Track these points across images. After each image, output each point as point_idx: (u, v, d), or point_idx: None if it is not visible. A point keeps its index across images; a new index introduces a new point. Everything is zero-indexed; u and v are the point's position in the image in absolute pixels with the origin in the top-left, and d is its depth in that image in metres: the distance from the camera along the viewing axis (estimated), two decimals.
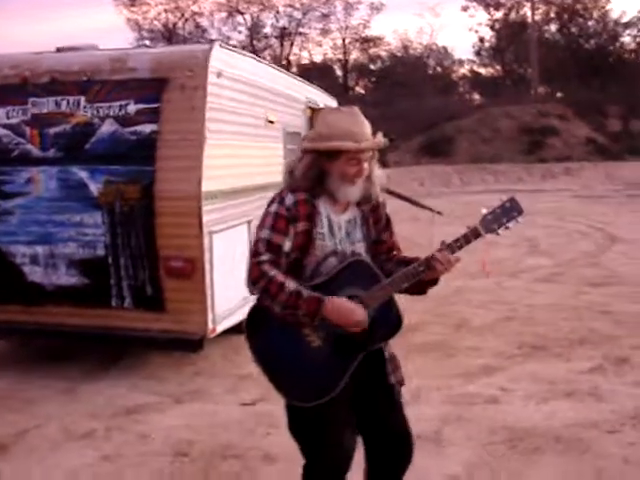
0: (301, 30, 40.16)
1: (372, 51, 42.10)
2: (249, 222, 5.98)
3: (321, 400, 2.60)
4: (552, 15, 39.27)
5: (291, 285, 2.53)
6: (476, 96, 42.86)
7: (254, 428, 4.20)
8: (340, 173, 2.63)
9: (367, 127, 2.66)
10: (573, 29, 39.36)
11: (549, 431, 4.39)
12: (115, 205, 5.24)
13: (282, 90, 7.13)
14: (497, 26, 41.06)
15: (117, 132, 5.27)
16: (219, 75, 5.32)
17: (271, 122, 6.72)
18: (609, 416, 4.61)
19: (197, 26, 40.77)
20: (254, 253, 2.61)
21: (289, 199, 2.64)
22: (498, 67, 43.16)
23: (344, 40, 41.68)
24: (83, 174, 5.33)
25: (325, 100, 9.27)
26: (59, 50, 5.82)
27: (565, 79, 36.34)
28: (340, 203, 2.72)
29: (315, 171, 2.65)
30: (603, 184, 24.65)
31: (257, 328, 2.68)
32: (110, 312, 5.41)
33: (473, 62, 44.27)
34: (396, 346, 5.96)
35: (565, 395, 5.06)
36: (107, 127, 5.30)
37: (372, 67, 43.03)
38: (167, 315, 5.29)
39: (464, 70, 45.06)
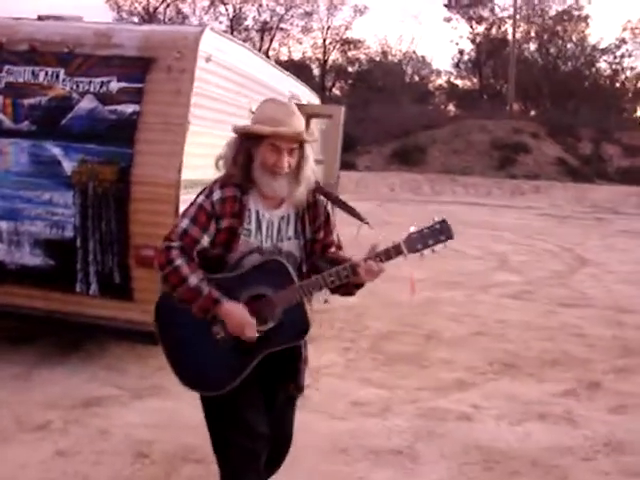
0: (282, 26, 40.01)
1: (351, 53, 42.08)
2: None
3: (220, 391, 2.61)
4: (532, 34, 39.66)
5: (193, 280, 2.51)
6: (451, 107, 43.04)
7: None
8: (261, 161, 2.59)
9: (295, 119, 2.62)
10: (552, 50, 39.75)
11: (525, 454, 4.26)
12: (88, 186, 4.97)
13: (267, 82, 6.90)
14: (478, 40, 41.31)
15: (96, 109, 5.00)
16: (208, 60, 5.09)
17: (253, 113, 6.48)
18: (583, 442, 4.51)
19: (178, 12, 40.27)
20: (167, 238, 2.61)
21: (217, 194, 2.62)
22: (475, 80, 43.41)
23: (325, 40, 41.61)
24: (57, 151, 5.04)
25: (307, 95, 9.06)
26: (40, 18, 5.52)
27: (540, 98, 36.70)
28: (271, 198, 2.68)
29: (242, 157, 2.61)
30: (571, 205, 24.84)
31: (164, 316, 2.71)
32: (74, 297, 5.13)
33: (450, 73, 44.56)
34: (367, 355, 5.84)
35: (539, 417, 4.94)
36: (86, 103, 5.02)
37: (350, 69, 42.94)
38: (134, 305, 5.03)
39: (441, 81, 45.32)
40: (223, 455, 2.75)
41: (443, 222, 2.65)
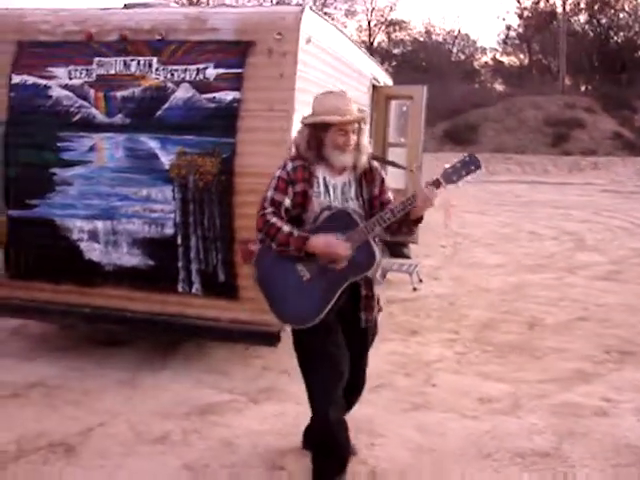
0: (326, 10, 39.34)
1: (396, 35, 41.33)
2: None
3: (311, 323, 3.10)
4: (582, 5, 38.41)
5: (286, 227, 3.10)
6: (498, 85, 42.09)
7: (353, 437, 3.67)
8: (332, 143, 3.16)
9: (352, 105, 3.22)
10: (603, 20, 38.46)
11: None
12: (188, 179, 4.71)
13: (354, 64, 6.58)
14: (525, 14, 40.23)
15: (193, 99, 4.73)
16: (308, 41, 4.77)
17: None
18: None
19: None
20: (260, 208, 3.18)
21: (289, 165, 3.22)
22: (522, 56, 42.39)
23: (369, 22, 40.85)
24: (153, 144, 4.79)
25: (383, 77, 8.71)
26: (127, 6, 5.25)
27: (591, 72, 35.63)
28: (336, 168, 3.22)
29: (314, 142, 3.19)
30: (633, 180, 24.06)
31: (261, 268, 3.25)
32: (176, 298, 4.89)
33: (496, 50, 43.54)
34: (476, 347, 5.51)
35: None
36: (182, 93, 4.75)
37: (395, 51, 42.19)
38: (240, 304, 4.78)
39: (486, 58, 44.33)
40: (310, 383, 3.26)
41: (472, 156, 3.16)
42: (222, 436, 3.97)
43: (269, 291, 3.24)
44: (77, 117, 4.93)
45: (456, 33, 43.30)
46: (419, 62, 38.23)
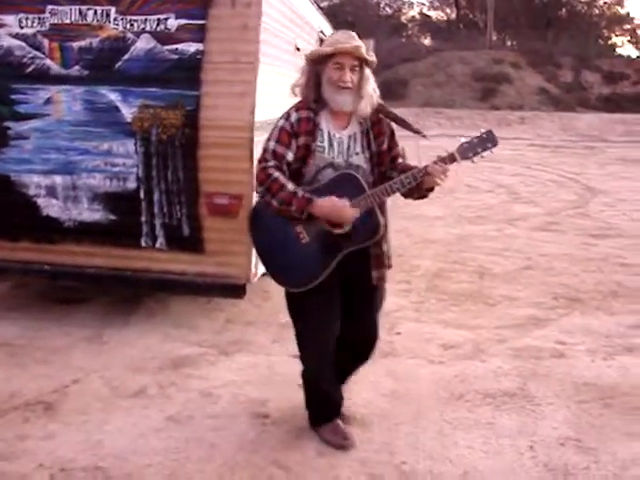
0: None
1: None
2: None
3: (305, 287, 3.05)
4: None
5: (290, 186, 2.97)
6: (425, 40, 42.29)
7: None
8: (328, 79, 3.01)
9: (354, 41, 3.02)
10: None
11: (635, 389, 4.15)
12: (151, 132, 4.63)
13: (306, 16, 6.53)
14: None
15: (155, 50, 4.62)
16: None
17: (298, 49, 6.14)
18: None
19: None
20: (261, 159, 3.06)
21: (293, 117, 3.07)
22: (448, 11, 42.63)
23: None
24: (114, 96, 4.67)
25: (328, 30, 8.66)
26: None
27: (518, 28, 36.18)
28: (340, 118, 3.10)
29: (312, 78, 3.07)
30: (558, 134, 24.73)
31: (258, 224, 3.16)
32: (139, 253, 4.83)
33: (423, 4, 43.67)
34: (431, 296, 5.68)
35: (626, 350, 4.85)
36: (143, 44, 4.63)
37: (322, 4, 41.71)
38: (206, 257, 4.76)
39: (413, 12, 44.40)
40: (299, 338, 3.29)
41: (489, 132, 3.07)
42: (200, 388, 3.99)
43: (264, 251, 3.18)
44: (31, 68, 4.75)
45: None
46: (346, 16, 37.93)
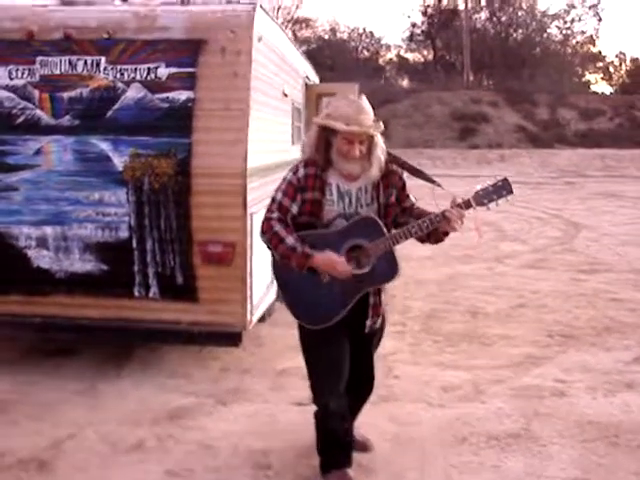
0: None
1: (302, 33, 41.47)
2: None
3: (324, 325, 3.16)
4: (483, 3, 39.60)
5: (289, 240, 3.08)
6: (403, 82, 42.84)
7: None
8: (338, 149, 3.13)
9: (364, 116, 3.10)
10: (503, 18, 39.78)
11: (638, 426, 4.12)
12: (143, 181, 4.60)
13: (292, 62, 6.60)
14: (429, 12, 41.11)
15: (146, 99, 4.62)
16: (260, 39, 4.76)
17: (285, 95, 6.19)
18: None
19: None
20: (268, 210, 3.20)
21: (301, 172, 3.19)
22: (425, 53, 43.26)
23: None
24: (104, 145, 4.65)
25: (312, 74, 8.75)
26: (65, 3, 5.07)
27: (494, 67, 36.80)
28: (350, 174, 3.18)
29: (322, 144, 3.16)
30: (538, 171, 25.05)
31: (282, 268, 3.23)
32: (132, 303, 4.77)
33: (400, 47, 44.29)
34: (426, 338, 5.64)
35: (626, 387, 4.84)
36: (133, 93, 4.63)
37: (302, 49, 42.16)
38: (200, 306, 4.71)
39: (391, 55, 45.01)
40: (312, 376, 3.35)
41: (505, 180, 3.17)
42: (199, 439, 3.91)
43: (286, 289, 3.29)
44: (21, 119, 4.73)
45: (361, 31, 43.88)
46: (325, 60, 38.43)
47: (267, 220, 3.17)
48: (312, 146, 3.22)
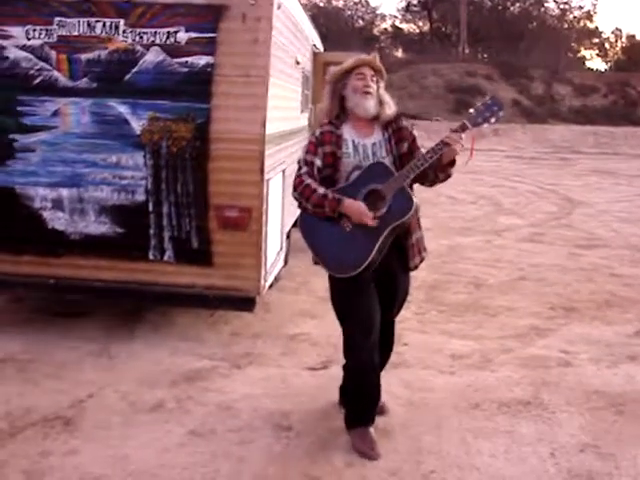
0: None
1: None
2: (283, 171, 5.49)
3: (355, 271, 3.26)
4: None
5: (320, 190, 3.29)
6: (397, 53, 42.60)
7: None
8: (352, 88, 3.38)
9: (371, 57, 3.47)
10: None
11: None
12: (161, 145, 4.62)
13: (304, 30, 6.59)
14: None
15: (164, 62, 4.61)
16: (279, 6, 4.75)
17: (298, 63, 6.19)
18: None
19: None
20: (298, 169, 3.41)
21: (317, 131, 3.47)
22: (420, 24, 42.97)
23: None
24: (123, 108, 4.66)
25: (318, 43, 8.74)
26: None
27: (490, 41, 36.65)
28: (363, 127, 3.42)
29: (336, 99, 3.44)
30: (532, 146, 25.12)
31: (306, 216, 3.43)
32: (146, 266, 4.81)
33: (395, 17, 43.95)
34: (431, 308, 5.73)
35: (629, 359, 4.94)
36: (152, 56, 4.62)
37: None
38: (214, 270, 4.76)
39: (385, 25, 44.67)
40: (345, 329, 3.46)
41: (493, 97, 3.33)
42: (218, 401, 3.98)
43: (314, 242, 3.41)
44: (38, 80, 4.71)
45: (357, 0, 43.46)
46: (319, 28, 38.06)
47: (298, 177, 3.37)
48: (327, 105, 3.49)
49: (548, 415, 3.95)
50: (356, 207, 3.25)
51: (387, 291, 3.49)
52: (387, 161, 3.36)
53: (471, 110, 3.31)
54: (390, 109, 3.44)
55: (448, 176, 3.38)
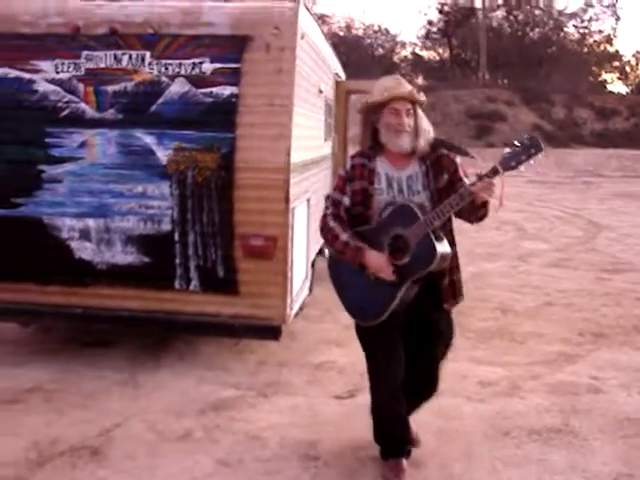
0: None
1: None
2: (308, 199, 5.51)
3: (375, 321, 3.16)
4: (499, 1, 39.48)
5: (343, 236, 3.14)
6: (418, 80, 42.74)
7: (371, 424, 3.74)
8: (385, 125, 3.13)
9: (402, 85, 3.16)
10: (520, 17, 39.68)
11: None
12: (187, 175, 4.66)
13: (326, 59, 6.64)
14: (445, 9, 40.96)
15: (190, 93, 4.67)
16: (302, 36, 4.81)
17: (320, 92, 6.24)
18: None
19: None
20: (325, 208, 3.30)
21: (349, 163, 3.29)
22: (440, 51, 43.17)
23: None
24: (149, 139, 4.71)
25: (341, 72, 8.81)
26: None
27: (510, 66, 36.70)
28: (398, 160, 3.18)
29: (368, 130, 3.22)
30: (554, 171, 24.98)
31: (333, 264, 3.35)
32: (172, 295, 4.83)
33: (415, 45, 44.21)
34: (458, 334, 5.66)
35: None
36: (177, 87, 4.69)
37: None
38: (240, 299, 4.76)
39: (406, 52, 44.95)
40: (369, 371, 3.38)
41: (532, 137, 2.98)
42: (245, 430, 3.96)
43: (339, 286, 3.32)
44: (66, 112, 4.79)
45: (376, 28, 43.86)
46: (340, 57, 38.42)
47: (323, 217, 3.26)
48: (360, 136, 3.28)
49: (580, 443, 3.89)
50: (375, 259, 3.10)
51: (421, 332, 3.34)
52: (423, 196, 3.14)
53: (506, 150, 2.99)
54: (428, 136, 3.18)
55: (480, 219, 3.13)
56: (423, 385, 3.49)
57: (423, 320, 3.31)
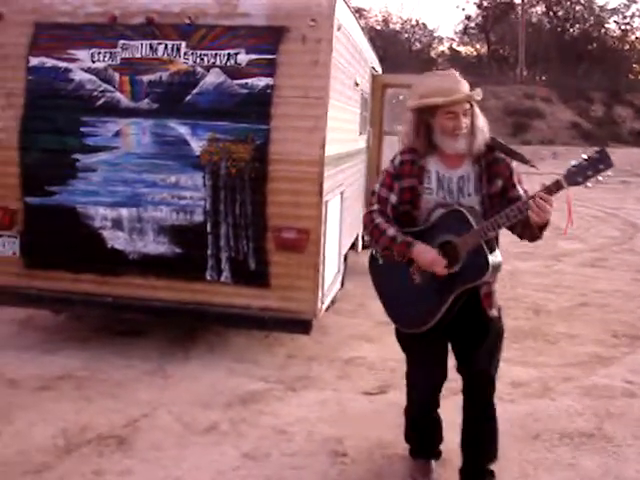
0: None
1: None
2: (342, 193, 5.46)
3: (418, 329, 3.01)
4: None
5: (390, 231, 2.94)
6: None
7: (400, 422, 3.69)
8: (440, 127, 2.88)
9: (461, 84, 2.88)
10: (559, 12, 39.12)
11: None
12: (220, 166, 4.64)
13: (363, 52, 6.58)
14: (484, 4, 40.54)
15: (225, 84, 4.65)
16: (339, 28, 4.75)
17: (357, 85, 6.18)
18: None
19: None
20: (369, 204, 3.12)
21: (397, 159, 3.05)
22: (478, 46, 42.75)
23: None
24: (183, 129, 4.70)
25: (377, 65, 8.73)
26: None
27: (549, 62, 36.20)
28: (451, 159, 2.95)
29: (422, 128, 2.92)
30: None
31: (375, 266, 3.15)
32: (203, 286, 4.83)
33: (452, 40, 43.85)
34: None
35: None
36: (213, 78, 4.67)
37: None
38: (271, 292, 4.74)
39: (443, 48, 44.60)
40: (409, 382, 3.29)
41: (601, 151, 2.71)
42: (272, 424, 3.94)
43: (381, 289, 3.16)
44: (101, 101, 4.80)
45: (414, 22, 43.59)
46: (377, 51, 38.26)
47: (368, 214, 3.07)
48: (411, 133, 2.97)
49: (613, 448, 3.80)
50: (427, 254, 2.87)
51: (464, 339, 3.12)
52: (474, 200, 2.92)
53: (572, 163, 2.75)
54: (484, 135, 2.92)
55: (534, 239, 2.93)
56: (472, 397, 3.24)
57: (463, 326, 3.08)
